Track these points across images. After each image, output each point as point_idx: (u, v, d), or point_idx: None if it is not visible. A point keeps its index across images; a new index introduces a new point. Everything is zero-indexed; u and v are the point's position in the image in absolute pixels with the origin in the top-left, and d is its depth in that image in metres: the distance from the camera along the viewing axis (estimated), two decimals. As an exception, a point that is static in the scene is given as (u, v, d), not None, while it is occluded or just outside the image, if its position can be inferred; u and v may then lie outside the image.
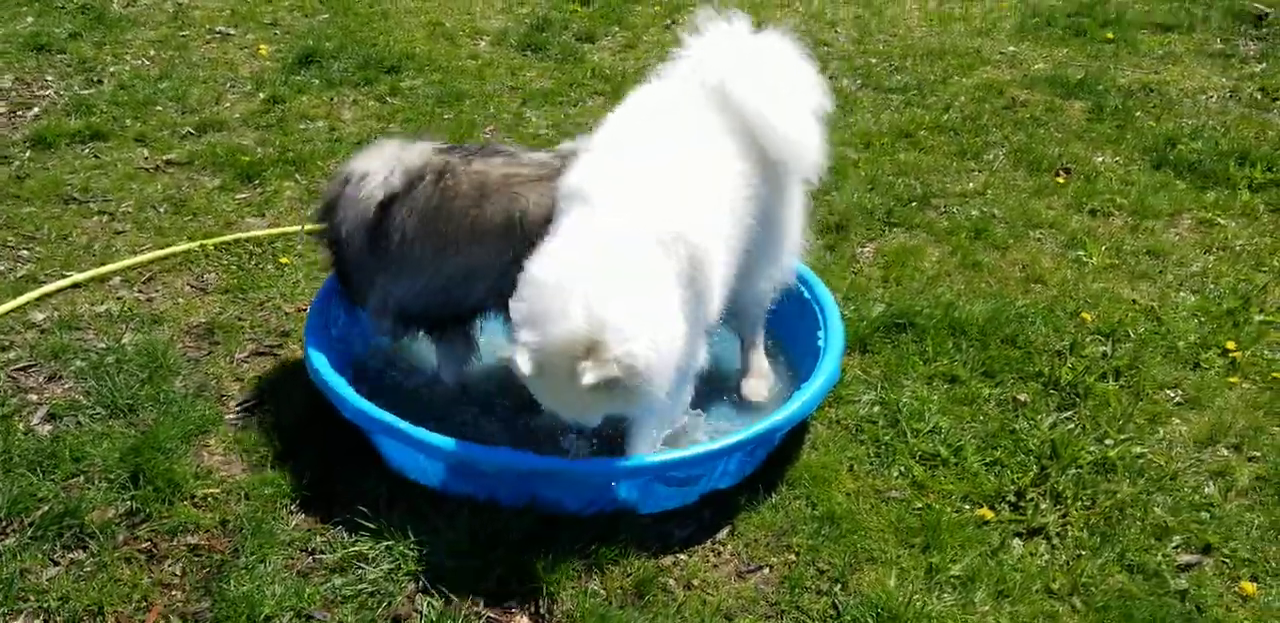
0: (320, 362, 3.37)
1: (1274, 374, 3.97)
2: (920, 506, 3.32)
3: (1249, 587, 3.10)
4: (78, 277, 4.25)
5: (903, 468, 3.47)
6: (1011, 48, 6.95)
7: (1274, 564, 3.20)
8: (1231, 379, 3.96)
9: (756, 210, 3.29)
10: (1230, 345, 4.10)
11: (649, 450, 3.18)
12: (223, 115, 5.65)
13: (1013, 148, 5.65)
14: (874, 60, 6.69)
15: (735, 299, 3.56)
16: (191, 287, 4.30)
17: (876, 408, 3.73)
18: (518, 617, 2.93)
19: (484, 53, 6.55)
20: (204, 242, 4.52)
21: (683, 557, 3.15)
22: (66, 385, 3.70)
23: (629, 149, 3.15)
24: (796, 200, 3.53)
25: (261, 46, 6.48)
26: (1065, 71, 6.57)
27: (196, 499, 3.27)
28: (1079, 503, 3.36)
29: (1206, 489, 3.47)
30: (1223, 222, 5.04)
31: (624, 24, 6.99)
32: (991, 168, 5.47)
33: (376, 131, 5.45)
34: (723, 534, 3.22)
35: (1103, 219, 5.05)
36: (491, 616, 2.91)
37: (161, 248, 4.48)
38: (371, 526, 3.10)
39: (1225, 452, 3.64)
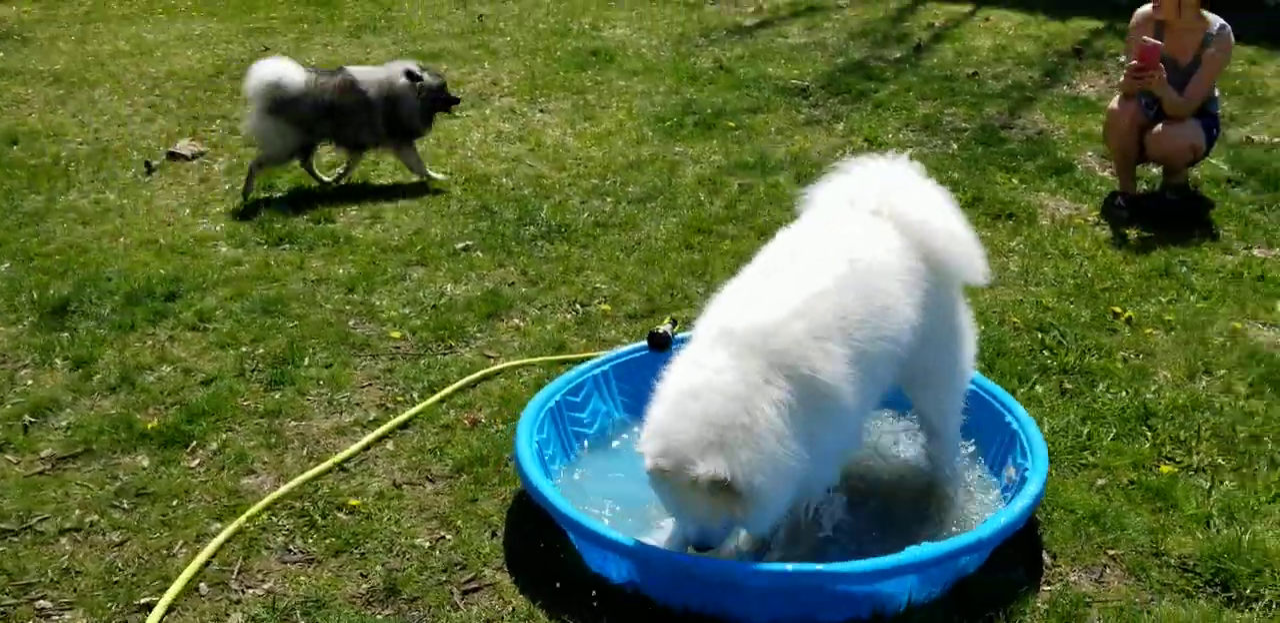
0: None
1: (1166, 317, 5.17)
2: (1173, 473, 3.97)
3: None
4: (166, 598, 3.39)
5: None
6: (678, 149, 7.84)
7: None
8: (1147, 331, 5.08)
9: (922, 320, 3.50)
10: (1118, 309, 5.25)
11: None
12: None
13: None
14: (595, 181, 7.17)
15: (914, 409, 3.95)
16: (292, 563, 3.63)
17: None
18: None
19: (242, 258, 5.98)
20: (247, 515, 3.81)
21: (1048, 588, 3.45)
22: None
23: (767, 280, 3.41)
24: (963, 307, 3.82)
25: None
26: (741, 158, 7.57)
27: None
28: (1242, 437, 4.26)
29: None
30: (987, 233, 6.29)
31: (361, 200, 6.81)
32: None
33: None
34: (1047, 559, 3.58)
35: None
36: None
37: (196, 544, 3.70)
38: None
39: (1217, 382, 4.69)
